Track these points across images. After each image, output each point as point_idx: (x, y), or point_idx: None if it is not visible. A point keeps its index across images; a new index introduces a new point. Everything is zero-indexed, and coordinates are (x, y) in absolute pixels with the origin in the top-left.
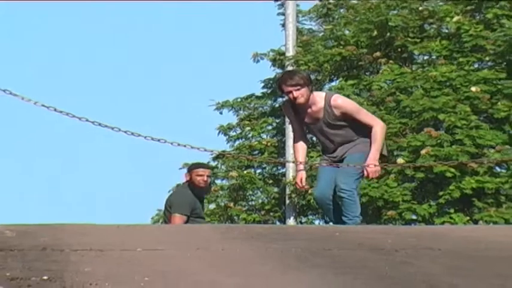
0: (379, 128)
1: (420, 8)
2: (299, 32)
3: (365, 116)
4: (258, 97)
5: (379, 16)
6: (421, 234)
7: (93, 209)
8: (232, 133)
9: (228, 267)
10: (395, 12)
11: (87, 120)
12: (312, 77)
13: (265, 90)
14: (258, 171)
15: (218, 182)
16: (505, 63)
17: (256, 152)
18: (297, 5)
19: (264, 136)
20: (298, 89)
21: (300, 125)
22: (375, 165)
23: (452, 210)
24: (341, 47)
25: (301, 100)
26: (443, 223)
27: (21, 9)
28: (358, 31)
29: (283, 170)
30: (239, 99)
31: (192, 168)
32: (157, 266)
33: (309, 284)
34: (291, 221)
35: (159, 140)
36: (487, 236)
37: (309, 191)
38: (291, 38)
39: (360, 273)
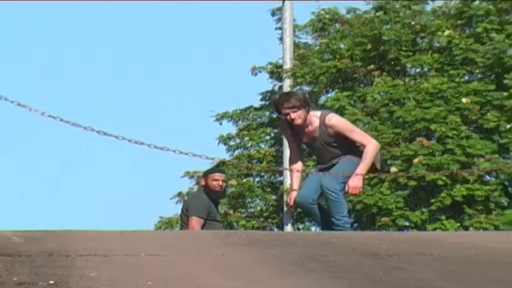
0: (371, 147)
1: (412, 23)
2: (296, 45)
3: (359, 135)
4: (256, 108)
5: (373, 30)
6: (414, 240)
7: (97, 216)
8: (231, 143)
9: (228, 272)
10: (388, 26)
11: (92, 129)
12: (308, 89)
13: (263, 102)
14: (257, 179)
15: None
16: (494, 75)
17: (255, 160)
18: (294, 20)
19: (263, 146)
20: (295, 111)
21: (296, 143)
22: (358, 181)
23: (443, 217)
24: (336, 60)
25: (298, 121)
26: (435, 229)
27: (21, 9)
28: (352, 45)
29: (281, 178)
30: (238, 111)
31: (207, 173)
32: (159, 271)
33: (305, 287)
34: (288, 228)
35: (161, 148)
36: (477, 242)
37: None
38: (288, 51)
39: (355, 278)
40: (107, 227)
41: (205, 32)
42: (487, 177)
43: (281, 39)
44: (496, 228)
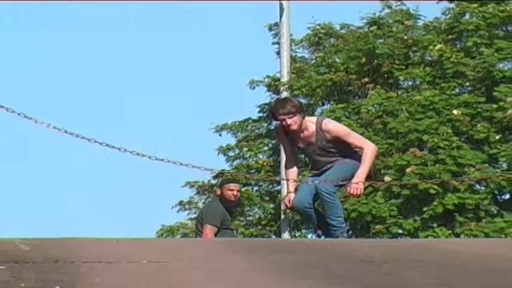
0: (369, 150)
1: (405, 37)
2: (293, 59)
3: (355, 138)
4: (254, 120)
5: (367, 44)
6: (407, 247)
7: (101, 225)
8: (231, 153)
9: (228, 278)
10: (382, 40)
11: (95, 141)
12: (305, 101)
13: (261, 114)
14: (255, 188)
15: None
16: (484, 88)
17: (253, 170)
18: (291, 35)
19: (261, 156)
20: (290, 117)
21: (291, 149)
22: (360, 183)
23: (435, 225)
24: (332, 73)
25: (294, 127)
26: (427, 237)
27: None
28: (347, 58)
29: (279, 187)
30: (237, 123)
31: (223, 183)
32: (161, 277)
33: None
34: (286, 235)
35: (162, 160)
36: (468, 249)
37: None
38: (285, 65)
39: (350, 284)
40: (111, 235)
41: (205, 47)
42: (477, 186)
43: (278, 53)
44: (486, 235)
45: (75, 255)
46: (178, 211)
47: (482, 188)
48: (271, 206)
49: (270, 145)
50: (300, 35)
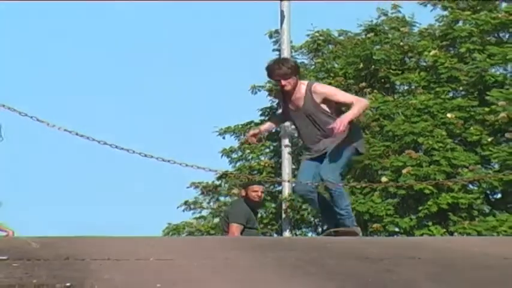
0: (359, 102)
1: (401, 43)
2: None
3: (344, 96)
4: (256, 123)
5: (365, 51)
6: (403, 244)
7: (109, 223)
8: (234, 155)
9: (231, 275)
10: (378, 47)
11: (105, 143)
12: None
13: (262, 117)
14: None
15: (222, 198)
16: (476, 92)
17: (256, 172)
18: (291, 42)
19: (263, 158)
20: (286, 78)
21: (285, 110)
22: (341, 124)
23: (430, 223)
24: (331, 78)
25: (288, 88)
26: (422, 235)
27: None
28: (345, 64)
29: (280, 188)
30: (240, 126)
31: (248, 185)
32: (167, 274)
33: None
34: (286, 234)
35: (169, 161)
36: (461, 246)
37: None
38: None
39: (348, 280)
40: (119, 233)
41: (209, 53)
42: (470, 186)
43: None
44: (479, 233)
45: (85, 253)
46: (183, 211)
47: (475, 188)
48: (273, 205)
49: (272, 147)
50: (299, 42)
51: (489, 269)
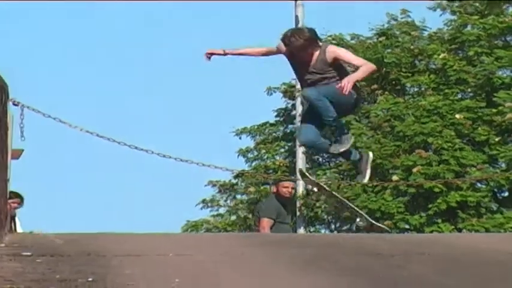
0: (367, 64)
1: (411, 47)
2: None
3: (351, 57)
4: (271, 124)
5: (376, 54)
6: (413, 241)
7: (130, 220)
8: (250, 155)
9: (246, 270)
10: (389, 50)
11: (125, 144)
12: None
13: (277, 118)
14: (273, 187)
15: (238, 196)
16: (484, 94)
17: (271, 171)
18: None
19: (278, 157)
20: (305, 50)
21: (280, 53)
22: (349, 82)
23: (439, 221)
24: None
25: (306, 58)
26: (432, 231)
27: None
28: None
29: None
30: (256, 126)
31: (278, 181)
32: (186, 269)
33: (315, 284)
34: (301, 230)
35: (186, 161)
36: (470, 243)
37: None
38: None
39: (360, 275)
40: (139, 230)
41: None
42: (479, 185)
43: None
44: (487, 230)
45: (106, 249)
46: (201, 208)
47: (483, 186)
48: None
49: (286, 147)
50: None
51: (497, 264)
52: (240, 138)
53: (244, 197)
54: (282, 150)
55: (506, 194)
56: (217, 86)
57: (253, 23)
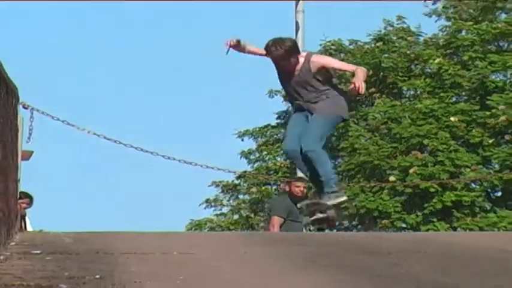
0: (361, 67)
1: (408, 52)
2: None
3: (341, 64)
4: (273, 126)
5: (374, 58)
6: (410, 239)
7: (135, 220)
8: (252, 157)
9: (249, 268)
10: (386, 55)
11: (131, 146)
12: None
13: (279, 120)
14: (274, 187)
15: (241, 196)
16: (478, 97)
17: (272, 172)
18: (305, 50)
19: (279, 159)
20: (283, 59)
21: (279, 75)
22: (361, 83)
23: (435, 219)
24: (342, 84)
25: (288, 67)
26: (428, 230)
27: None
28: None
29: None
30: (257, 129)
31: (291, 181)
32: (190, 267)
33: (316, 281)
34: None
35: (191, 163)
36: (464, 241)
37: None
38: None
39: (359, 273)
40: (145, 229)
41: (230, 60)
42: (473, 185)
43: None
44: (481, 229)
45: (113, 247)
46: (205, 208)
47: (477, 186)
48: None
49: None
50: (312, 51)
51: (491, 261)
52: (243, 140)
53: (247, 196)
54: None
55: (500, 194)
56: (220, 90)
57: (257, 29)
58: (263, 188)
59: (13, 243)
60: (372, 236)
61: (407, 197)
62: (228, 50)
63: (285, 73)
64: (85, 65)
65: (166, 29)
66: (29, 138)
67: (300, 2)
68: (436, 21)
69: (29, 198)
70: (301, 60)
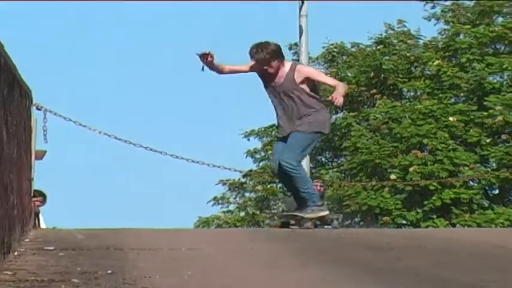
0: (342, 83)
1: (408, 54)
2: None
3: (325, 77)
4: (278, 127)
5: (375, 61)
6: (410, 235)
7: (145, 216)
8: (257, 156)
9: (255, 263)
10: (387, 57)
11: (141, 146)
12: None
13: None
14: (279, 185)
15: (246, 194)
16: (476, 98)
17: None
18: (308, 53)
19: None
20: (265, 64)
21: (252, 70)
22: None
23: (435, 216)
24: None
25: (270, 70)
26: (427, 226)
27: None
28: (358, 73)
29: None
30: (263, 128)
31: None
32: (198, 262)
33: (320, 275)
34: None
35: (198, 162)
36: (463, 237)
37: None
38: None
39: (361, 267)
40: (154, 225)
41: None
42: (471, 183)
43: None
44: (479, 225)
45: (124, 243)
46: (212, 205)
47: (475, 184)
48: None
49: None
50: (316, 53)
51: (488, 257)
52: (249, 139)
53: (253, 194)
54: None
55: (497, 191)
56: (226, 91)
57: (262, 33)
58: (268, 186)
59: (27, 240)
60: (373, 232)
61: (407, 195)
62: (203, 67)
63: (269, 79)
64: (85, 65)
65: (166, 29)
66: (45, 139)
67: (304, 6)
68: (435, 24)
69: (42, 196)
70: (287, 68)
